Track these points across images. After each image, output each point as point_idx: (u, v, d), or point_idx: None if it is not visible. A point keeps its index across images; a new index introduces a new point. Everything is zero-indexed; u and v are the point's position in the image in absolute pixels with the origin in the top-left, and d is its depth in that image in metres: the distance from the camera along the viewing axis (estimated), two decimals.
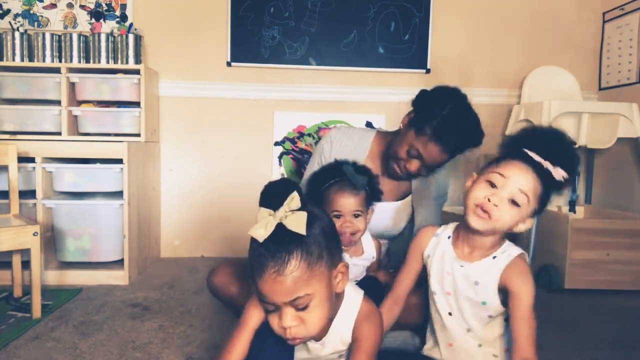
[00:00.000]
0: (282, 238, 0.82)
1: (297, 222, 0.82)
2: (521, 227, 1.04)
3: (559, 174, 1.00)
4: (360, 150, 1.54)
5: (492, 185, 1.02)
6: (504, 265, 1.04)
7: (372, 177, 1.31)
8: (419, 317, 1.27)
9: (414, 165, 1.41)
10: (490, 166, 1.06)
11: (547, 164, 1.00)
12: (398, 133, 1.47)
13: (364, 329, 0.94)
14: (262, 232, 0.82)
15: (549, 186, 1.02)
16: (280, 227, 0.82)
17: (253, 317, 0.96)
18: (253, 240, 0.84)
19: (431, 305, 1.17)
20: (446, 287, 1.11)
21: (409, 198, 1.55)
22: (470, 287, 1.07)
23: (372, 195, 1.32)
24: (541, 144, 1.03)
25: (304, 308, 0.84)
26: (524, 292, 1.01)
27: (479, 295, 1.06)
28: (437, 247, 1.15)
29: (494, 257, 1.06)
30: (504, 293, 1.05)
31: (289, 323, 0.84)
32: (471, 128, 1.37)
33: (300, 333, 0.86)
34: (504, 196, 1.01)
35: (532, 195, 1.01)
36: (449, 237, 1.15)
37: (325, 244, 0.86)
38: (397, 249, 1.60)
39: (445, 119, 1.34)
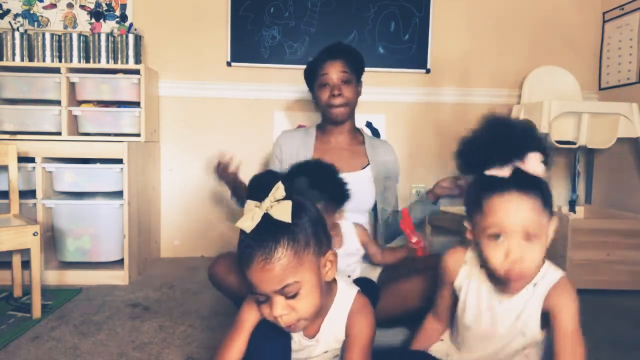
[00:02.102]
0: (268, 227, 0.83)
1: (283, 211, 0.83)
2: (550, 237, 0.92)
3: (533, 164, 0.87)
4: (308, 141, 1.75)
5: (497, 236, 0.88)
6: (546, 290, 0.93)
7: (333, 180, 1.28)
8: (417, 302, 1.28)
9: (336, 92, 1.64)
10: (476, 217, 0.93)
11: (509, 169, 0.87)
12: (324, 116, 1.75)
13: (357, 323, 0.94)
14: (249, 223, 0.84)
15: (540, 183, 0.89)
16: (266, 217, 0.84)
17: (249, 316, 0.96)
18: (241, 233, 0.85)
19: (455, 328, 1.08)
20: (484, 324, 0.99)
21: (368, 168, 1.71)
22: (511, 321, 0.96)
23: (337, 198, 1.29)
24: (492, 150, 0.89)
25: (294, 296, 0.85)
26: (566, 312, 0.91)
27: (519, 327, 0.96)
28: (470, 279, 1.01)
29: (535, 285, 0.94)
30: (545, 317, 0.94)
31: (279, 312, 0.85)
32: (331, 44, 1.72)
33: (292, 320, 0.87)
34: (518, 243, 0.87)
35: (539, 217, 0.87)
36: (481, 267, 0.99)
37: (312, 232, 0.88)
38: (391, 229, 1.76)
39: (311, 62, 1.73)
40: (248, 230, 0.84)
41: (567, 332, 0.90)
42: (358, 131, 1.82)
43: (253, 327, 0.97)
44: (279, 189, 0.86)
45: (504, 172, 0.88)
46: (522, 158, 0.88)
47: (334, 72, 1.66)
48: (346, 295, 0.97)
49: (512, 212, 0.87)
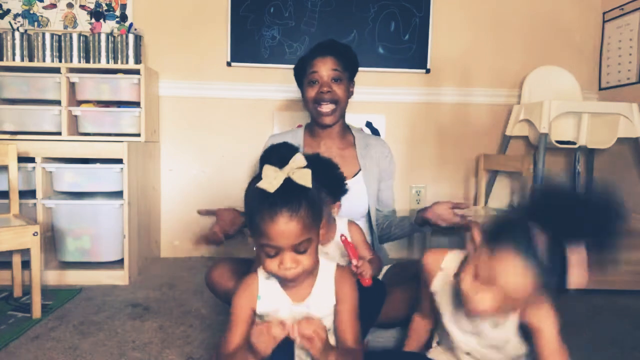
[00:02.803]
0: (291, 189, 0.93)
1: (305, 177, 0.94)
2: None
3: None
4: (296, 144, 1.63)
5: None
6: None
7: (331, 170, 1.31)
8: (405, 311, 1.28)
9: (326, 89, 1.56)
10: (480, 257, 0.89)
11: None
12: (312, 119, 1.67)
13: (344, 287, 1.04)
14: (274, 184, 0.92)
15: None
16: (287, 181, 0.93)
17: (244, 308, 1.02)
18: (260, 193, 0.93)
19: (441, 336, 1.09)
20: (465, 327, 1.01)
21: (359, 175, 1.64)
22: (490, 329, 0.97)
23: (335, 191, 1.31)
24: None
25: (304, 252, 0.95)
26: (547, 326, 0.92)
27: (500, 337, 0.97)
28: (445, 285, 1.02)
29: None
30: (525, 330, 0.95)
31: (289, 265, 0.94)
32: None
33: (298, 272, 0.96)
34: (476, 287, 0.88)
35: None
36: (455, 276, 0.99)
37: (318, 199, 1.00)
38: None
39: (301, 58, 1.65)
40: (272, 190, 0.92)
41: (550, 348, 0.91)
42: (348, 130, 1.74)
43: (249, 318, 1.02)
44: (299, 158, 0.96)
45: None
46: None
47: (324, 69, 1.57)
48: (328, 266, 1.07)
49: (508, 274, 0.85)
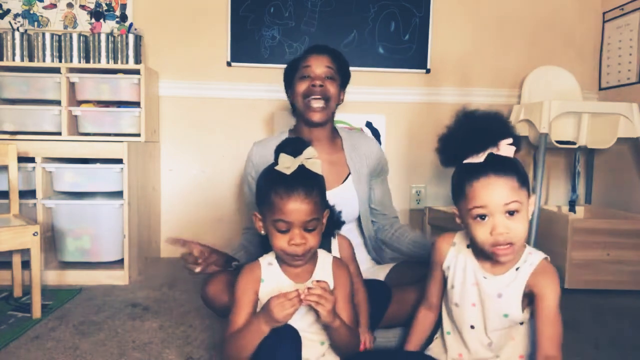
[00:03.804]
0: (306, 174, 1.06)
1: (316, 166, 1.08)
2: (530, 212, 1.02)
3: (506, 149, 0.99)
4: None
5: (482, 217, 0.98)
6: (528, 274, 1.01)
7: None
8: (409, 311, 1.27)
9: (318, 82, 1.51)
10: (461, 203, 1.02)
11: (483, 155, 0.98)
12: (297, 115, 1.60)
13: (341, 274, 1.13)
14: (291, 168, 1.05)
15: (514, 164, 1.00)
16: (300, 167, 1.05)
17: (248, 291, 1.07)
18: (277, 175, 1.04)
19: (445, 317, 1.14)
20: (471, 298, 1.07)
21: (350, 179, 1.60)
22: (494, 298, 1.03)
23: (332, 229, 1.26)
24: (466, 143, 1.01)
25: (312, 230, 1.04)
26: (549, 293, 0.99)
27: (502, 308, 1.03)
28: (457, 257, 1.10)
29: (517, 269, 1.03)
30: (529, 297, 1.02)
31: (298, 241, 1.03)
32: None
33: (305, 249, 1.04)
34: (502, 219, 0.96)
35: (517, 193, 0.97)
36: (468, 247, 1.10)
37: (325, 188, 1.12)
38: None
39: (295, 59, 1.60)
40: (288, 172, 1.04)
41: (549, 313, 0.99)
42: (336, 133, 1.66)
43: (253, 301, 1.06)
44: (311, 150, 1.08)
45: (480, 158, 0.99)
46: (495, 145, 0.99)
47: (318, 65, 1.52)
48: (326, 256, 1.16)
49: (493, 192, 0.96)
